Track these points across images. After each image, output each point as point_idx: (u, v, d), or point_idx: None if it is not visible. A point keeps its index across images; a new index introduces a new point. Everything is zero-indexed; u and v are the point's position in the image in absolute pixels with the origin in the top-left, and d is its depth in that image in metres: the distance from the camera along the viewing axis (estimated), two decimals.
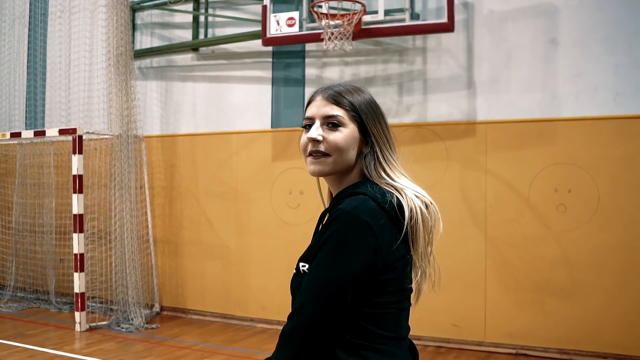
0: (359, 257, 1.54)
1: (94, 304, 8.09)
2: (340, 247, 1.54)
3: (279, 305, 7.63)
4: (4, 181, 9.31)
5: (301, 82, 7.68)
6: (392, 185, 1.70)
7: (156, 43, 8.53)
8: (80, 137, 7.53)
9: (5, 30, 9.53)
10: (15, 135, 8.22)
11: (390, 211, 1.61)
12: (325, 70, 7.58)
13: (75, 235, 7.52)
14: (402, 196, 1.66)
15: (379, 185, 1.69)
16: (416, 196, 1.68)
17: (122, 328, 7.53)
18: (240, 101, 8.05)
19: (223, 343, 6.99)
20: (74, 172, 7.50)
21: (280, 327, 1.58)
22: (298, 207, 7.61)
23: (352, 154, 1.74)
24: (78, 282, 7.54)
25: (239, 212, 8.01)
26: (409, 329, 1.77)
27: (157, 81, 8.60)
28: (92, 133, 7.76)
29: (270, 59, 7.86)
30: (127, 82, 7.95)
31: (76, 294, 7.54)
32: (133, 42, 8.49)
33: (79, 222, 7.52)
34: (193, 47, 8.15)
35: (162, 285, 8.50)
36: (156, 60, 8.58)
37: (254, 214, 7.92)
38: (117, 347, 6.85)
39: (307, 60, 7.65)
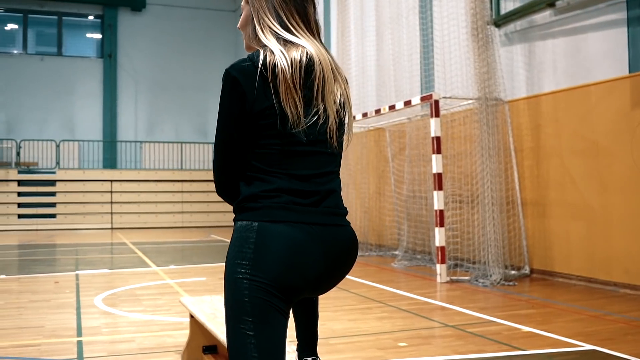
0: (231, 103, 1.94)
1: (461, 263, 8.54)
2: (221, 99, 1.98)
3: None
4: (399, 156, 10.50)
5: None
6: (265, 46, 1.98)
7: (518, 5, 8.57)
8: (437, 102, 8.14)
9: (403, 21, 10.80)
10: (391, 108, 9.30)
11: (256, 67, 1.92)
12: None
13: (435, 193, 8.14)
14: (269, 54, 1.93)
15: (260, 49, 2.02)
16: (281, 53, 1.93)
17: (479, 282, 7.80)
18: (596, 50, 7.52)
19: (568, 301, 6.66)
20: (432, 134, 8.14)
21: None
22: None
23: (250, 29, 2.10)
24: (438, 237, 8.12)
25: (601, 168, 7.46)
26: (315, 170, 2.00)
27: (521, 44, 8.62)
28: (449, 98, 8.26)
29: None
30: (487, 48, 8.24)
31: (437, 247, 8.13)
32: (498, 9, 8.73)
33: (437, 181, 8.12)
34: (549, 2, 7.95)
35: (531, 248, 8.43)
36: (519, 24, 8.61)
37: (615, 169, 7.28)
38: (462, 294, 7.19)
39: None
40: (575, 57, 7.82)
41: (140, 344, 4.91)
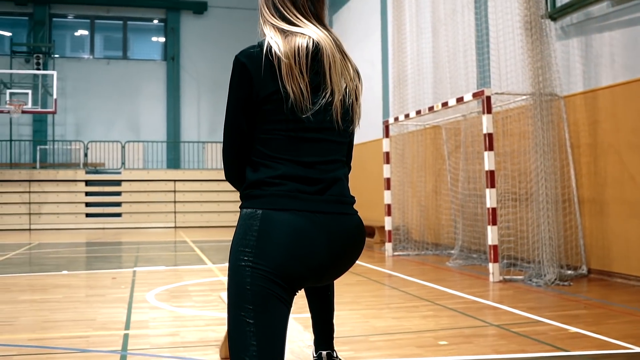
0: (239, 88, 2.01)
1: (516, 262, 8.36)
2: (230, 83, 2.06)
3: None
4: (455, 153, 10.35)
5: None
6: (267, 36, 2.05)
7: None
8: (489, 98, 8.00)
9: (458, 17, 10.64)
10: (444, 105, 9.17)
11: (263, 53, 1.98)
12: None
13: (487, 191, 7.99)
14: (268, 44, 2.00)
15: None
16: (276, 43, 1.97)
17: (533, 282, 7.61)
18: None
19: (624, 302, 6.44)
20: (484, 131, 8.00)
21: None
22: None
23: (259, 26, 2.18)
24: (490, 235, 7.97)
25: None
26: (320, 157, 2.02)
27: (577, 37, 8.37)
28: (501, 94, 8.10)
29: None
30: (541, 42, 8.04)
31: (489, 246, 7.99)
32: (553, 2, 8.50)
33: (490, 179, 7.97)
34: None
35: (588, 247, 8.17)
36: (575, 17, 8.36)
37: None
38: (513, 294, 7.04)
39: None
40: (634, 50, 7.54)
41: (183, 338, 5.01)
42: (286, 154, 1.98)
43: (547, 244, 7.80)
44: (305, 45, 1.95)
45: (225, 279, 8.25)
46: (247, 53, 1.99)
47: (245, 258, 1.94)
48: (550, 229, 7.82)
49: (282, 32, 2.00)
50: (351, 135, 2.17)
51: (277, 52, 1.93)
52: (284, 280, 1.92)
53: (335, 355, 2.51)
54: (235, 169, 2.10)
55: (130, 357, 4.47)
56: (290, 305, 1.99)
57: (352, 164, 2.23)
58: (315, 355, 2.51)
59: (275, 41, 1.96)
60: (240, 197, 2.06)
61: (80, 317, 5.92)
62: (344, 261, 2.07)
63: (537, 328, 5.18)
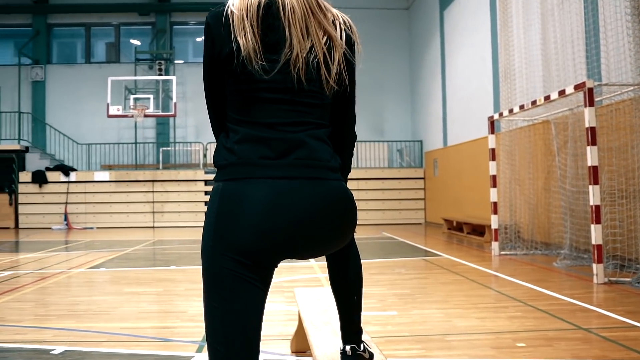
0: (206, 48, 2.01)
1: (627, 264, 7.89)
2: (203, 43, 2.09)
3: None
4: (564, 149, 9.89)
5: None
6: None
7: None
8: (591, 90, 7.60)
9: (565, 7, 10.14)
10: (547, 99, 8.79)
11: (224, 11, 1.96)
12: None
13: (590, 188, 7.60)
14: (230, 1, 1.98)
15: None
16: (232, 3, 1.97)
17: (638, 284, 7.16)
18: None
19: None
20: (587, 124, 7.61)
21: None
22: None
23: None
24: (594, 234, 7.57)
25: None
26: (284, 119, 1.91)
27: None
28: (605, 85, 7.67)
29: None
30: None
31: (593, 246, 7.58)
32: None
33: (593, 175, 7.57)
34: None
35: None
36: None
37: None
38: (615, 297, 6.65)
39: None
40: None
41: (262, 331, 5.11)
42: (246, 115, 1.91)
43: None
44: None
45: (322, 276, 8.36)
46: (214, 13, 1.96)
47: (209, 238, 1.87)
48: None
49: None
50: (336, 98, 2.02)
51: (232, 7, 1.91)
52: (249, 258, 1.82)
53: (362, 349, 2.47)
54: (218, 133, 2.07)
55: (206, 347, 4.63)
56: (264, 284, 1.89)
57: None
58: (341, 349, 2.50)
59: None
60: None
61: (173, 309, 6.20)
62: (320, 231, 1.90)
63: (628, 333, 4.87)
